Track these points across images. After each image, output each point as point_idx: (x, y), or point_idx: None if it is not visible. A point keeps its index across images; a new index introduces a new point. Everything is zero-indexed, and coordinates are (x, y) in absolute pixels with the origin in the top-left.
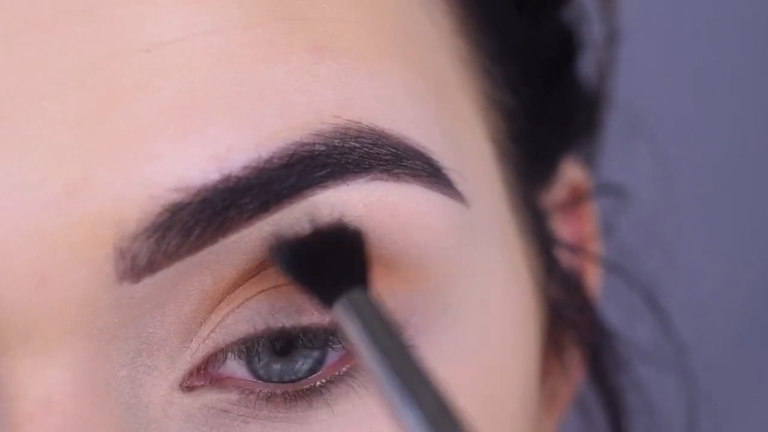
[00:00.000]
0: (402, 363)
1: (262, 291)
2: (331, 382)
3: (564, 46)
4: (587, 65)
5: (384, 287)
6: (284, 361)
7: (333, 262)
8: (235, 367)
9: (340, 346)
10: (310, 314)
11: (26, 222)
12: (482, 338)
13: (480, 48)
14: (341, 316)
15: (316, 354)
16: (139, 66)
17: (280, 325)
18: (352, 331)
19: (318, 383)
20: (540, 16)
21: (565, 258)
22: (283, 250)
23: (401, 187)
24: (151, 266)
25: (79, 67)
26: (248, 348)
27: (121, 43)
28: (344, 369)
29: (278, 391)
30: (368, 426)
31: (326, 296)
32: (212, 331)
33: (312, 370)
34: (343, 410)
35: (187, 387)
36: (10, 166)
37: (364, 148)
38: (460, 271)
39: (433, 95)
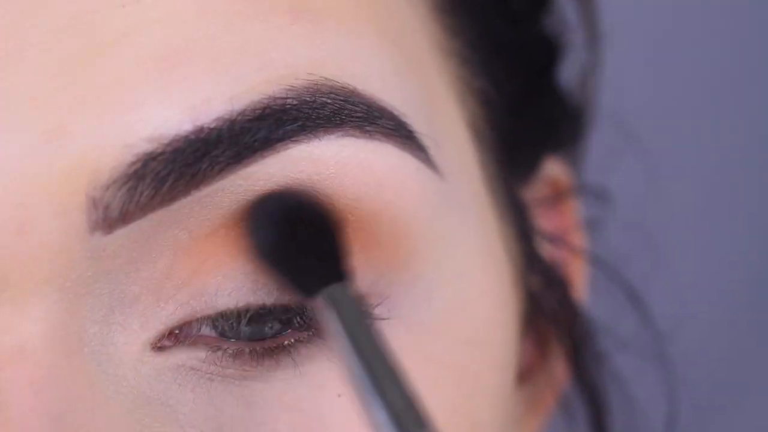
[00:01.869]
0: (375, 362)
1: (246, 261)
2: (300, 342)
3: (545, 47)
4: (572, 70)
5: (359, 251)
6: (253, 324)
7: (314, 253)
8: (204, 330)
9: (307, 319)
10: (292, 293)
11: (6, 169)
12: (457, 309)
13: (458, 36)
14: (322, 310)
15: (282, 320)
16: (120, 19)
17: (261, 302)
18: (331, 326)
19: (286, 342)
20: (521, 16)
21: (547, 252)
22: (263, 238)
23: (374, 144)
24: (124, 217)
25: (59, 19)
26: (224, 320)
27: None
28: (312, 331)
29: (246, 349)
30: (333, 388)
31: (307, 288)
32: (192, 298)
33: (279, 331)
34: (308, 370)
35: (158, 347)
36: None
37: (336, 104)
38: (435, 239)
39: (408, 69)
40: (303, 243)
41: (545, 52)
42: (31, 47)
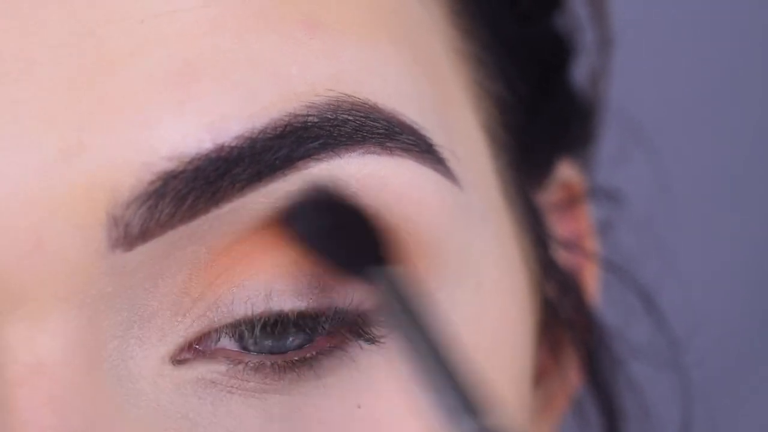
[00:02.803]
0: (437, 343)
1: (261, 272)
2: (322, 354)
3: (556, 48)
4: (583, 72)
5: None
6: (275, 337)
7: (361, 237)
8: (226, 342)
9: (331, 329)
10: (308, 298)
11: (23, 185)
12: (476, 319)
13: (472, 38)
14: (378, 288)
15: (305, 334)
16: (134, 34)
17: (278, 309)
18: (389, 303)
19: (308, 355)
20: (532, 17)
21: (561, 257)
22: (309, 220)
23: (394, 161)
24: (144, 235)
25: (73, 33)
26: (245, 329)
27: (117, 13)
28: (334, 343)
29: (267, 362)
30: (355, 400)
31: (358, 268)
32: (208, 309)
33: (301, 345)
34: (331, 383)
35: (178, 360)
36: (4, 129)
37: (357, 121)
38: (455, 251)
39: (425, 77)
40: (351, 229)
41: (558, 53)
42: (44, 62)
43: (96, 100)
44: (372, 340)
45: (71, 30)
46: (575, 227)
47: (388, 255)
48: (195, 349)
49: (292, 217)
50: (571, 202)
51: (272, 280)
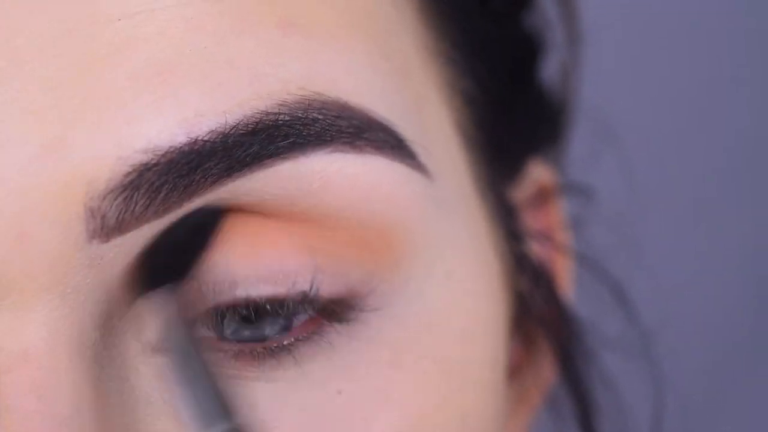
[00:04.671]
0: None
1: (224, 259)
2: (300, 341)
3: (526, 46)
4: (553, 69)
5: (350, 252)
6: (252, 327)
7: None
8: (204, 331)
9: (306, 314)
10: (273, 284)
11: (6, 180)
12: (447, 306)
13: (443, 37)
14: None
15: (282, 321)
16: (113, 33)
17: (245, 294)
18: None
19: (286, 342)
20: (502, 15)
21: (534, 252)
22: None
23: (363, 159)
24: (120, 226)
25: (55, 33)
26: (217, 316)
27: (97, 12)
28: (311, 329)
29: (246, 350)
30: (336, 385)
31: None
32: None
33: (280, 331)
34: (311, 369)
35: (159, 349)
36: None
37: (327, 120)
38: (425, 241)
39: (397, 74)
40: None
41: (527, 50)
42: (27, 61)
43: (78, 98)
44: (347, 323)
45: (54, 30)
46: (547, 223)
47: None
48: None
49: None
50: (542, 198)
51: (235, 267)
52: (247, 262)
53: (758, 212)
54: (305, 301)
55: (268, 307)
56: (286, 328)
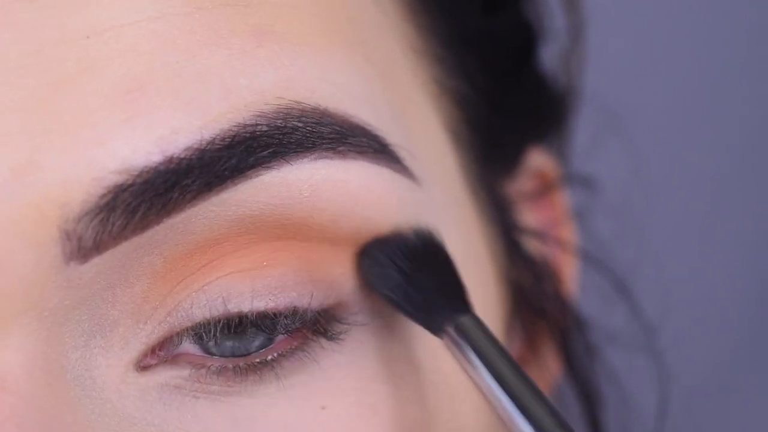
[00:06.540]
0: (516, 384)
1: (220, 277)
2: (282, 356)
3: (522, 37)
4: (556, 56)
5: (341, 263)
6: (236, 338)
7: (436, 288)
8: (187, 346)
9: (291, 328)
10: (267, 299)
11: None
12: None
13: (431, 35)
14: (450, 342)
15: (266, 334)
16: (83, 51)
17: (237, 310)
18: (466, 355)
19: (269, 357)
20: (495, 6)
21: (535, 246)
22: (386, 276)
23: (347, 164)
24: (98, 247)
25: (23, 53)
26: (204, 332)
27: (64, 30)
28: (295, 344)
29: (229, 365)
30: (318, 400)
31: (433, 323)
32: (168, 315)
33: (263, 346)
34: (291, 384)
35: (142, 367)
36: None
37: (307, 128)
38: None
39: (380, 78)
40: (426, 281)
41: (523, 41)
42: None
43: (48, 119)
44: (333, 338)
45: (20, 51)
46: (550, 214)
47: (468, 301)
48: (158, 354)
49: (370, 270)
50: (544, 189)
51: (231, 284)
52: (244, 278)
53: (764, 203)
54: (295, 314)
55: (255, 321)
56: (269, 341)
